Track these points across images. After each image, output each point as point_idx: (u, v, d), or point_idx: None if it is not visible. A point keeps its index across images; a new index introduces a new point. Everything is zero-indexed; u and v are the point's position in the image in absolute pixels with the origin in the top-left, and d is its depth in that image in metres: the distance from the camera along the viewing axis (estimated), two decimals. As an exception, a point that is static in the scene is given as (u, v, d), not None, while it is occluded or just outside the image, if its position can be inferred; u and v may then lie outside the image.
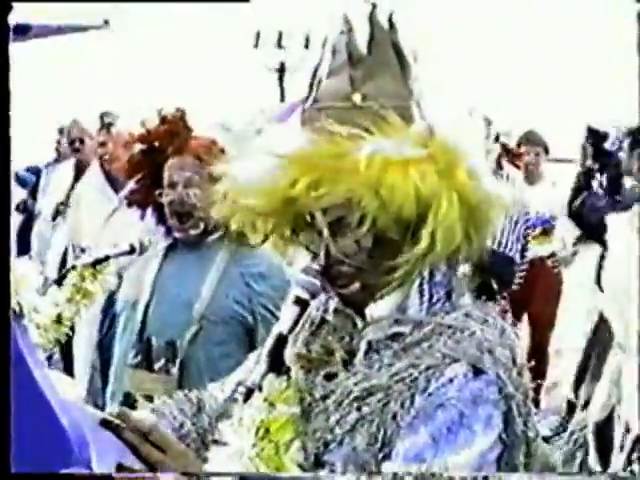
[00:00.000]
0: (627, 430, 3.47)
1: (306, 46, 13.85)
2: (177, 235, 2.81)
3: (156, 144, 2.80)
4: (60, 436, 1.08)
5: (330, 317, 1.53)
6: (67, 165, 5.86)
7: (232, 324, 2.70)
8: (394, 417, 1.38)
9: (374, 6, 1.50)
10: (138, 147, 2.83)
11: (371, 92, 1.46)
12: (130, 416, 1.25)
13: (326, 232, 1.42)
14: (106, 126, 5.34)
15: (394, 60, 1.49)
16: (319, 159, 1.39)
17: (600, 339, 3.66)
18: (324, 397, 1.46)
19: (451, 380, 1.38)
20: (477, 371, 1.39)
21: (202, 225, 2.74)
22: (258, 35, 13.44)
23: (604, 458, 3.37)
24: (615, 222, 3.71)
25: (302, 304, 1.51)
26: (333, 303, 1.54)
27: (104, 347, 2.98)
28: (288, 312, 1.52)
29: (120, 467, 1.19)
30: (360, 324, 1.50)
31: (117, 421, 1.23)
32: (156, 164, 2.80)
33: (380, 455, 1.39)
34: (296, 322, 1.51)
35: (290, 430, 1.47)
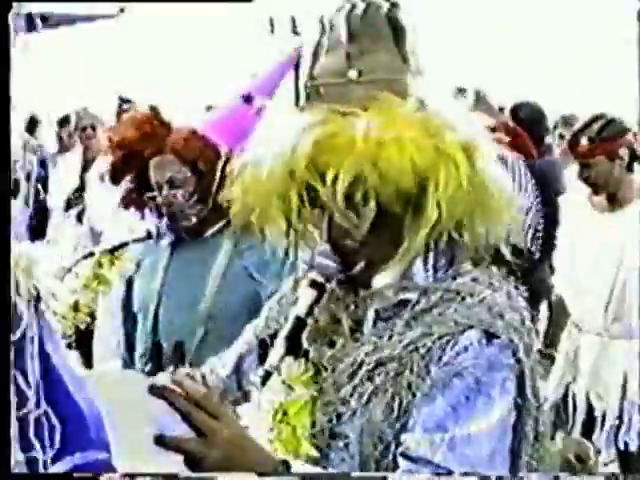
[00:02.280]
0: (589, 408, 3.47)
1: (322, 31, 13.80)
2: (171, 227, 2.76)
3: (135, 148, 2.71)
4: (78, 419, 1.08)
5: (334, 286, 1.53)
6: (75, 154, 5.88)
7: (241, 320, 2.61)
8: (409, 387, 1.39)
9: None
10: (118, 153, 2.74)
11: (366, 67, 1.47)
12: (183, 383, 1.25)
13: (333, 202, 1.42)
14: (122, 113, 5.36)
15: (389, 35, 1.50)
16: (315, 139, 1.40)
17: (554, 318, 3.66)
18: (333, 369, 1.46)
19: (466, 348, 1.38)
20: (490, 336, 1.39)
21: (194, 219, 2.67)
22: (272, 21, 13.41)
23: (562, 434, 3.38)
24: (571, 201, 3.73)
25: (319, 287, 1.52)
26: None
27: (129, 345, 2.94)
28: (305, 295, 1.52)
29: (160, 439, 1.19)
30: (363, 293, 1.50)
31: (172, 387, 1.23)
32: (140, 167, 2.72)
33: (397, 425, 1.39)
34: (313, 305, 1.51)
35: (308, 412, 1.47)
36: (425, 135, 1.40)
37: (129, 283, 2.87)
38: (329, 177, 1.38)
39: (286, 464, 1.29)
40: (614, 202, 3.48)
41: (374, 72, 1.48)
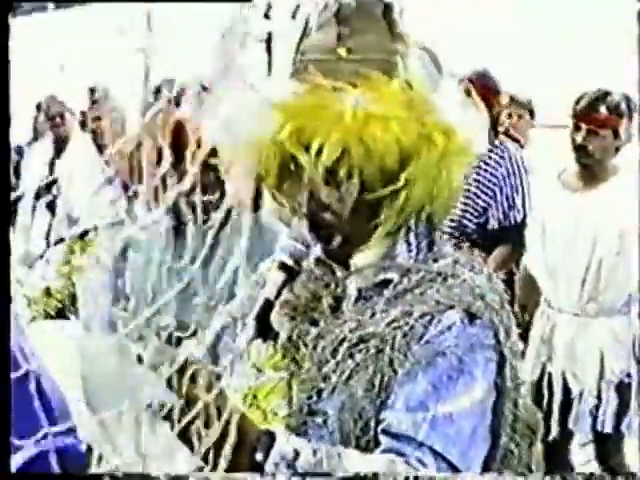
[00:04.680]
0: (566, 388, 3.48)
1: (293, 16, 13.75)
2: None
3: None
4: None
5: (312, 265, 1.53)
6: (46, 142, 5.86)
7: None
8: (390, 364, 1.38)
9: None
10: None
11: (356, 46, 1.47)
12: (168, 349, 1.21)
13: (315, 174, 1.39)
14: (97, 100, 5.33)
15: (381, 16, 1.50)
16: (302, 108, 1.40)
17: (525, 297, 3.65)
18: (315, 346, 1.46)
19: (449, 327, 1.37)
20: (472, 316, 1.39)
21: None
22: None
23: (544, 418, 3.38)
24: (540, 182, 3.72)
25: (287, 270, 1.52)
26: (316, 253, 1.53)
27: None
28: (273, 278, 1.52)
29: (148, 406, 1.18)
30: (342, 273, 1.49)
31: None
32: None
33: (378, 402, 1.38)
34: (282, 288, 1.51)
35: (278, 395, 1.47)
36: (410, 116, 1.40)
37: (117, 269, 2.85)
38: (314, 148, 1.37)
39: (270, 435, 1.25)
40: (590, 180, 3.45)
41: (363, 51, 1.48)
